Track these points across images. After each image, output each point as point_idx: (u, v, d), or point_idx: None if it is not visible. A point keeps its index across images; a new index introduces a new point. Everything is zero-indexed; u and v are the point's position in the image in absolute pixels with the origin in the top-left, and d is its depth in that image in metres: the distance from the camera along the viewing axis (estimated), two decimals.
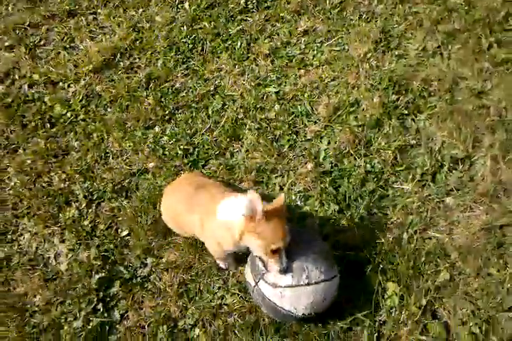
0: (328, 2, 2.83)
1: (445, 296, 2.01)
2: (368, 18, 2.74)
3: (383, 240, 2.12)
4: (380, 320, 2.01)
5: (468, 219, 2.12)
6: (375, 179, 2.28)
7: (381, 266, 2.05)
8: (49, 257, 2.41)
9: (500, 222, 2.08)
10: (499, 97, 2.35)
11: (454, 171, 2.24)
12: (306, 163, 2.39)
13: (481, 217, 2.11)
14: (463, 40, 2.52)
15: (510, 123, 2.28)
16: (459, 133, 2.28)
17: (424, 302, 1.99)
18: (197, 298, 2.17)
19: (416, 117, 2.41)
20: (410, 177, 2.25)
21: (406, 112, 2.42)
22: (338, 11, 2.80)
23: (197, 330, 2.11)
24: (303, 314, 1.85)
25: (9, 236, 2.49)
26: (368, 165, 2.31)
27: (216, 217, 1.88)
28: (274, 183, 2.37)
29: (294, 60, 2.70)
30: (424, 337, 1.93)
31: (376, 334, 1.97)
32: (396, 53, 2.60)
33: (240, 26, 2.83)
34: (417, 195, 2.21)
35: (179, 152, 2.49)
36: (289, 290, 1.84)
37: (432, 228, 2.15)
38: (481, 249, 2.05)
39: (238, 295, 2.13)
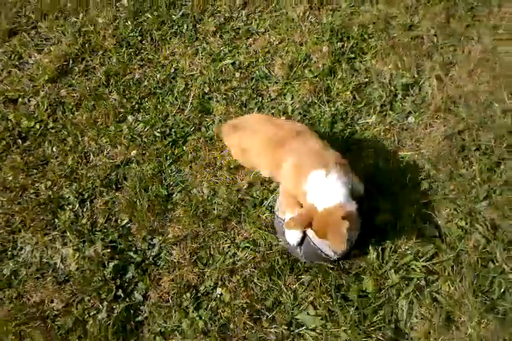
0: None
1: (429, 202, 2.43)
2: None
3: (362, 168, 2.49)
4: (378, 238, 2.35)
5: (430, 134, 2.55)
6: (342, 119, 2.67)
7: None
8: (55, 262, 2.62)
9: (457, 128, 2.52)
10: (427, 27, 2.83)
11: (407, 97, 2.68)
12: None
13: (440, 129, 2.55)
14: None
15: (443, 46, 2.76)
16: (403, 64, 2.73)
17: (413, 212, 2.40)
18: (210, 261, 2.46)
19: (362, 58, 2.85)
20: (371, 110, 2.68)
21: (353, 56, 2.86)
22: None
23: (219, 289, 2.39)
24: (337, 258, 2.23)
25: (10, 253, 2.68)
26: (333, 109, 2.70)
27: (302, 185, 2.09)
28: None
29: (240, 32, 3.09)
30: (420, 240, 2.31)
31: (380, 249, 2.35)
32: (330, 8, 3.05)
33: (182, 11, 3.21)
34: (381, 124, 2.62)
35: (157, 135, 2.80)
36: None
37: (401, 149, 2.55)
38: (447, 155, 2.47)
39: (248, 248, 2.43)
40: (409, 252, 2.30)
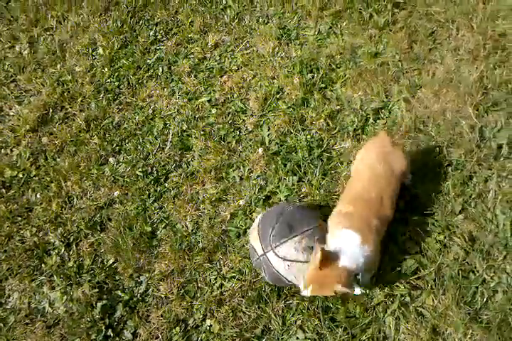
0: (226, 16, 3.98)
1: (408, 219, 2.93)
2: (264, 20, 3.90)
3: (341, 191, 3.00)
4: None
5: None
6: (318, 146, 3.22)
7: None
8: (44, 307, 3.11)
9: (428, 147, 3.07)
10: (392, 53, 3.47)
11: (378, 120, 3.25)
12: (255, 151, 3.32)
13: (412, 148, 3.08)
14: (347, 17, 3.69)
15: (408, 70, 3.38)
16: (372, 89, 3.33)
17: (392, 230, 2.88)
18: (198, 294, 2.93)
19: (333, 87, 3.46)
20: (345, 136, 3.23)
21: (323, 86, 3.47)
22: (237, 21, 3.94)
23: (208, 321, 2.84)
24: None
25: None
26: (308, 137, 3.26)
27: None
28: (234, 176, 3.26)
29: (214, 71, 3.74)
30: (402, 257, 2.82)
31: None
32: (298, 42, 3.72)
33: (156, 55, 3.92)
34: (356, 148, 3.16)
35: (139, 174, 3.37)
36: (297, 265, 2.61)
37: None
38: (421, 173, 3.01)
39: (235, 278, 2.90)
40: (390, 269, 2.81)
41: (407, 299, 2.68)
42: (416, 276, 2.73)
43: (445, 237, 2.82)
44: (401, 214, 2.91)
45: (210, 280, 2.94)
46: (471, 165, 2.99)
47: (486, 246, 2.75)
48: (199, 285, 2.95)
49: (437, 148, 3.08)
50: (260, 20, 3.93)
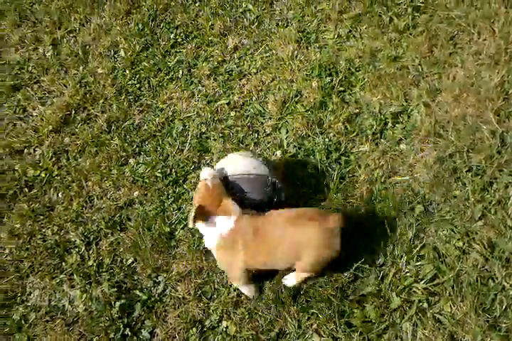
0: (245, 20, 3.89)
1: (425, 225, 2.80)
2: (284, 24, 3.80)
3: (358, 195, 2.94)
4: (378, 263, 2.76)
5: (422, 159, 2.99)
6: (336, 149, 3.14)
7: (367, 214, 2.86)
8: (64, 305, 3.07)
9: (448, 152, 2.95)
10: (412, 57, 3.35)
11: (397, 125, 3.15)
12: (273, 154, 3.24)
13: (432, 153, 2.99)
14: (367, 20, 3.58)
15: (428, 74, 3.26)
16: (391, 93, 3.23)
17: (410, 234, 2.77)
18: (215, 295, 2.87)
19: (351, 91, 3.37)
20: (364, 139, 3.14)
21: (342, 89, 3.38)
22: (257, 24, 3.86)
23: (224, 323, 2.79)
24: None
25: (19, 298, 3.15)
26: (326, 140, 3.18)
27: None
28: None
29: (233, 74, 3.68)
30: (420, 263, 2.69)
31: (380, 273, 2.72)
32: (317, 46, 3.63)
33: (177, 58, 3.84)
34: (374, 152, 3.08)
35: (159, 175, 3.31)
36: None
37: (395, 174, 2.99)
38: (440, 178, 2.89)
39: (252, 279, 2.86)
40: (409, 275, 2.69)
41: (425, 305, 2.59)
42: (434, 282, 2.64)
43: (464, 243, 2.72)
44: (419, 218, 2.83)
45: (227, 282, 2.87)
46: (492, 170, 2.87)
47: (505, 254, 2.65)
48: (216, 286, 2.88)
49: (457, 153, 2.97)
50: (280, 23, 3.84)
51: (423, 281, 2.64)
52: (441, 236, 2.76)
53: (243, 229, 2.54)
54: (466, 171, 2.92)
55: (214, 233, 2.58)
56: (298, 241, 2.50)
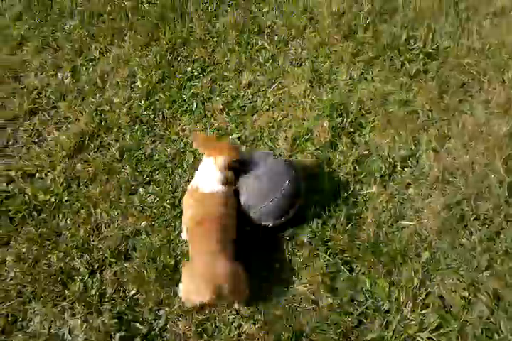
0: (261, 57, 3.91)
1: (432, 272, 2.71)
2: (298, 63, 3.81)
3: (365, 238, 2.85)
4: (383, 309, 2.67)
5: (430, 204, 2.93)
6: (344, 190, 3.08)
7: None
8: (63, 333, 2.94)
9: (456, 199, 2.90)
10: (422, 102, 3.35)
11: (405, 169, 3.11)
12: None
13: (440, 199, 2.93)
14: (380, 64, 3.60)
15: (438, 120, 3.24)
16: (400, 137, 3.21)
17: (416, 281, 2.68)
18: (216, 333, 2.76)
19: (361, 132, 3.34)
20: (372, 181, 3.09)
21: (352, 130, 3.35)
22: (272, 62, 3.87)
23: None
24: None
25: (19, 324, 3.04)
26: (335, 180, 3.13)
27: None
28: None
29: (246, 109, 3.65)
30: (425, 311, 2.60)
31: (385, 320, 2.62)
32: (329, 86, 3.63)
33: (192, 91, 3.82)
34: (382, 195, 3.02)
35: (167, 206, 3.24)
36: None
37: (402, 219, 2.92)
38: (447, 225, 2.82)
39: (253, 318, 2.74)
40: (413, 323, 2.59)
41: None
42: (439, 332, 2.53)
43: (470, 294, 2.63)
44: (425, 266, 2.74)
45: (229, 320, 2.77)
46: (499, 220, 2.81)
47: (511, 306, 2.55)
48: (217, 323, 2.77)
49: (465, 201, 2.91)
50: (294, 62, 3.86)
51: (427, 330, 2.55)
52: (446, 284, 2.67)
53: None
54: (474, 219, 2.86)
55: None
56: None
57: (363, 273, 2.78)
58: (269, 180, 2.86)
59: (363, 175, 3.13)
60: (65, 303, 3.08)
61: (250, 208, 2.87)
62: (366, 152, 3.24)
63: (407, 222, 2.91)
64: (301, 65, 3.83)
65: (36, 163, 3.72)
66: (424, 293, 2.66)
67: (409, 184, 3.06)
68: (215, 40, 4.18)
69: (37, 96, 4.15)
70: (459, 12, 3.83)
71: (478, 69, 3.47)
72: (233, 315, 2.81)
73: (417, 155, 3.17)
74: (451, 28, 3.76)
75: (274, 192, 2.83)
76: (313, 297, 2.75)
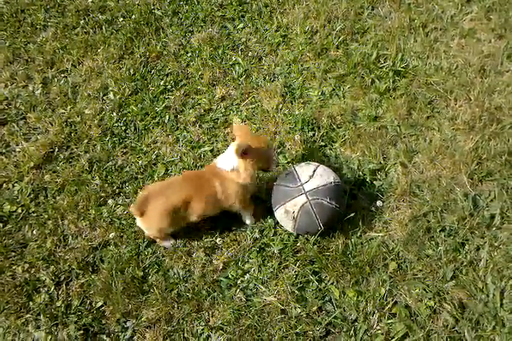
0: (235, 73, 4.10)
1: (398, 282, 2.86)
2: (270, 78, 4.02)
3: (334, 248, 2.99)
4: (351, 319, 2.80)
5: (397, 216, 3.11)
6: None
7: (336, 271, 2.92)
8: None
9: (422, 211, 3.09)
10: (391, 118, 3.57)
11: (374, 182, 3.29)
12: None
13: (407, 211, 3.11)
14: (350, 81, 3.82)
15: (406, 135, 3.46)
16: (370, 151, 3.40)
17: (383, 291, 2.82)
18: None
19: (332, 146, 3.53)
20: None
21: (323, 144, 3.54)
22: (245, 77, 4.06)
23: None
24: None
25: None
26: None
27: None
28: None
29: (218, 122, 3.82)
30: (392, 320, 2.73)
31: (352, 329, 2.74)
32: (301, 101, 3.83)
33: (165, 103, 3.98)
34: (352, 207, 3.18)
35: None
36: None
37: (371, 230, 3.09)
38: (414, 236, 2.99)
39: (222, 329, 2.83)
40: (380, 332, 2.73)
41: None
42: None
43: (435, 303, 2.79)
44: (392, 276, 2.91)
45: (197, 331, 2.86)
46: (464, 232, 3.00)
47: (475, 315, 2.73)
48: (186, 335, 2.86)
49: (431, 213, 3.10)
50: (267, 77, 4.06)
51: (394, 339, 2.68)
52: (413, 294, 2.82)
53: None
54: (440, 231, 3.05)
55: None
56: None
57: (332, 283, 2.93)
58: None
59: None
60: (29, 315, 3.13)
61: None
62: (337, 165, 3.42)
63: (375, 234, 3.08)
64: (274, 80, 4.04)
65: (3, 174, 3.81)
66: (391, 303, 2.81)
67: (378, 196, 3.24)
68: (189, 54, 4.36)
69: (6, 107, 4.27)
70: (427, 33, 4.13)
71: (445, 87, 3.72)
72: (202, 326, 2.90)
73: (385, 169, 3.37)
74: (420, 48, 4.02)
75: None
76: (282, 307, 2.88)
